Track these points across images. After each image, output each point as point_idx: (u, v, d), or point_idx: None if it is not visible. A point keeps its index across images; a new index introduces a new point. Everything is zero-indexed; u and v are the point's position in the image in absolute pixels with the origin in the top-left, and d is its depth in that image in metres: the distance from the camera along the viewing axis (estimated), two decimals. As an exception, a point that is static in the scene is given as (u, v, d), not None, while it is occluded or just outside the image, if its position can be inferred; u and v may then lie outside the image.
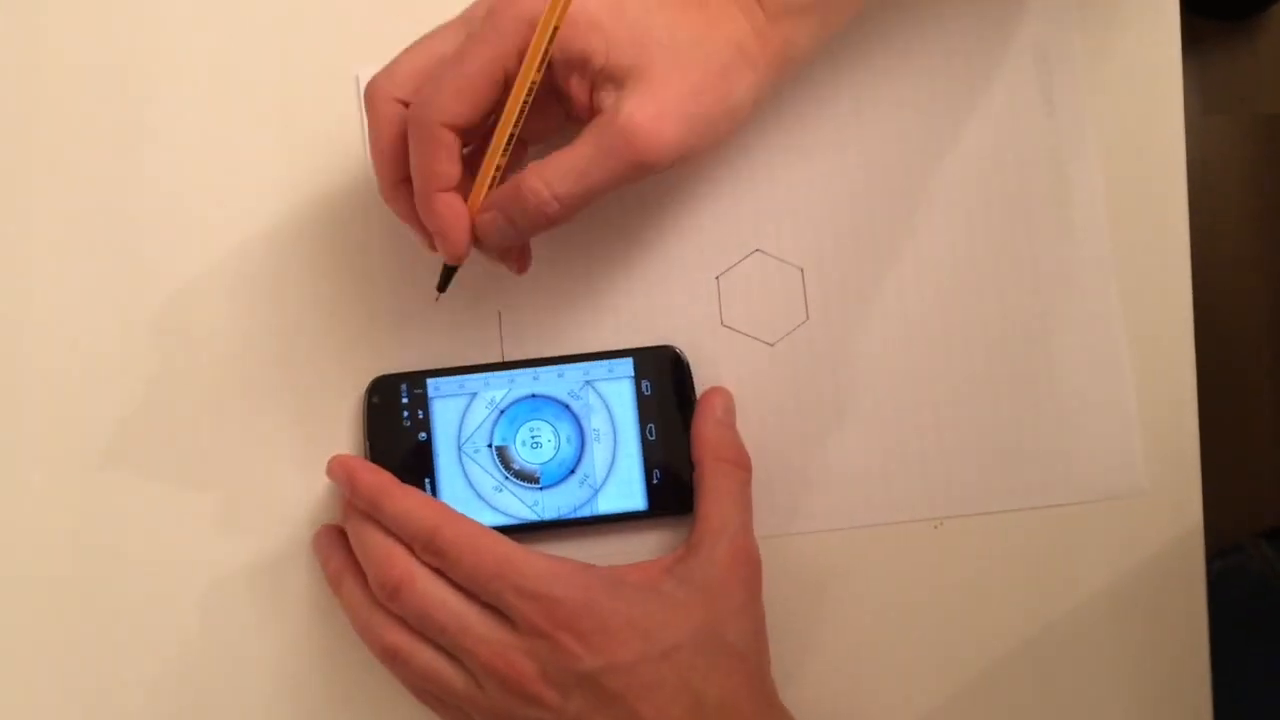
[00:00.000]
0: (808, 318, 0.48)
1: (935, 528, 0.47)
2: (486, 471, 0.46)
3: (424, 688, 0.42)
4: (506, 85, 0.39)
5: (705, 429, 0.45)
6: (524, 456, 0.46)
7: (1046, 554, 0.47)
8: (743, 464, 0.45)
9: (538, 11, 0.38)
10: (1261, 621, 0.70)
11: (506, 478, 0.46)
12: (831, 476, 0.47)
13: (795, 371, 0.48)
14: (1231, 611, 0.52)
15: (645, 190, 0.48)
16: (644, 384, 0.47)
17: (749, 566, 0.44)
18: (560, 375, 0.47)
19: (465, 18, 0.41)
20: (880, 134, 0.49)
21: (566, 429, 0.46)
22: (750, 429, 0.47)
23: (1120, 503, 0.47)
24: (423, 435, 0.46)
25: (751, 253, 0.48)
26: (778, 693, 0.43)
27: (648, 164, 0.39)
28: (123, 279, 0.48)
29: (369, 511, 0.43)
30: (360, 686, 0.46)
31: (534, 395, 0.46)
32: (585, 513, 0.46)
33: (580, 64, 0.39)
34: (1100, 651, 0.47)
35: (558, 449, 0.46)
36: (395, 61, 0.41)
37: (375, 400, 0.46)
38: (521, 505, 0.46)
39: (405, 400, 0.46)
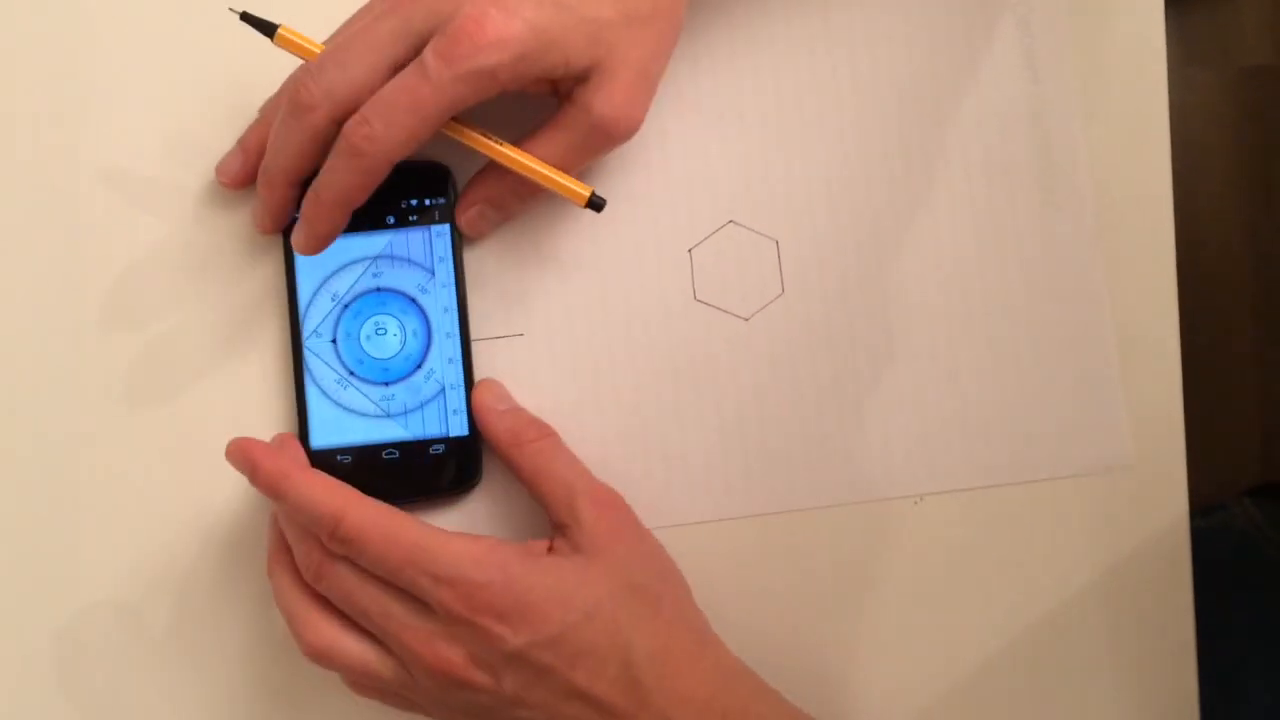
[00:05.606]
0: (783, 291, 0.47)
1: (915, 504, 0.47)
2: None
3: (360, 682, 0.42)
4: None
5: (495, 425, 0.44)
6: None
7: (1029, 529, 0.47)
8: (546, 433, 0.45)
9: (496, 65, 0.38)
10: (1246, 577, 0.70)
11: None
12: (808, 453, 0.47)
13: (770, 346, 0.47)
14: (1216, 569, 0.51)
15: (613, 160, 0.47)
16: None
17: (616, 508, 0.43)
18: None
19: (398, 14, 0.39)
20: (858, 102, 0.47)
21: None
22: (724, 406, 0.46)
23: (1105, 476, 0.47)
24: None
25: (725, 224, 0.47)
26: (710, 625, 0.43)
27: (622, 141, 0.42)
28: (69, 270, 0.47)
29: (273, 500, 0.41)
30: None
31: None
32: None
33: (545, 81, 0.41)
34: (1086, 625, 0.47)
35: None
36: (329, 71, 0.39)
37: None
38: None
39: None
